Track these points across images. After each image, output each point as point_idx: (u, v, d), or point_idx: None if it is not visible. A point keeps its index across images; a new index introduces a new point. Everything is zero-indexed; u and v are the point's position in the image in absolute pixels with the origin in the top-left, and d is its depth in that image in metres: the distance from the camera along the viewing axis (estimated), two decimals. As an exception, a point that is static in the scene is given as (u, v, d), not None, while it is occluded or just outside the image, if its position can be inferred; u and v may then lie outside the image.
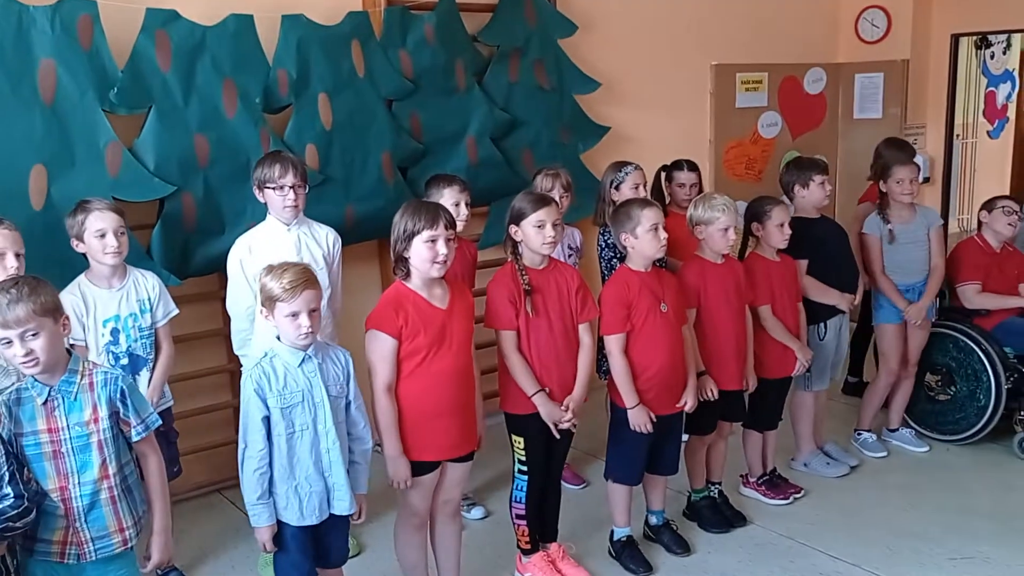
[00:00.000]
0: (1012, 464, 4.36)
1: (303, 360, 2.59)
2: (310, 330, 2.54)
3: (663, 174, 4.41)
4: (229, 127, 3.84)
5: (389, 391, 2.80)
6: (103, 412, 2.30)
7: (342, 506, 2.67)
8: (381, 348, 2.79)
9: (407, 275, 2.84)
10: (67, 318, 2.32)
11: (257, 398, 2.54)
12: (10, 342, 2.19)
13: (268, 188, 3.39)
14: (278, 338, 2.62)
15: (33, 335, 2.19)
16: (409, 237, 2.77)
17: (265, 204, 3.44)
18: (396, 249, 2.82)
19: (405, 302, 2.81)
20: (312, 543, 2.70)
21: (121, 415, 2.34)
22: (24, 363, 2.21)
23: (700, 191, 4.28)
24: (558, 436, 3.22)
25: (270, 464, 2.57)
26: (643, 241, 3.24)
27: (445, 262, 2.79)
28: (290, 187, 3.37)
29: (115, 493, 2.33)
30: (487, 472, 4.13)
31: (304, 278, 2.55)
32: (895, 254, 4.32)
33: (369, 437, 2.76)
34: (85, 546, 2.31)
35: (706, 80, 5.81)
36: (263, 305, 2.58)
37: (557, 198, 3.72)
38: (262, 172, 3.40)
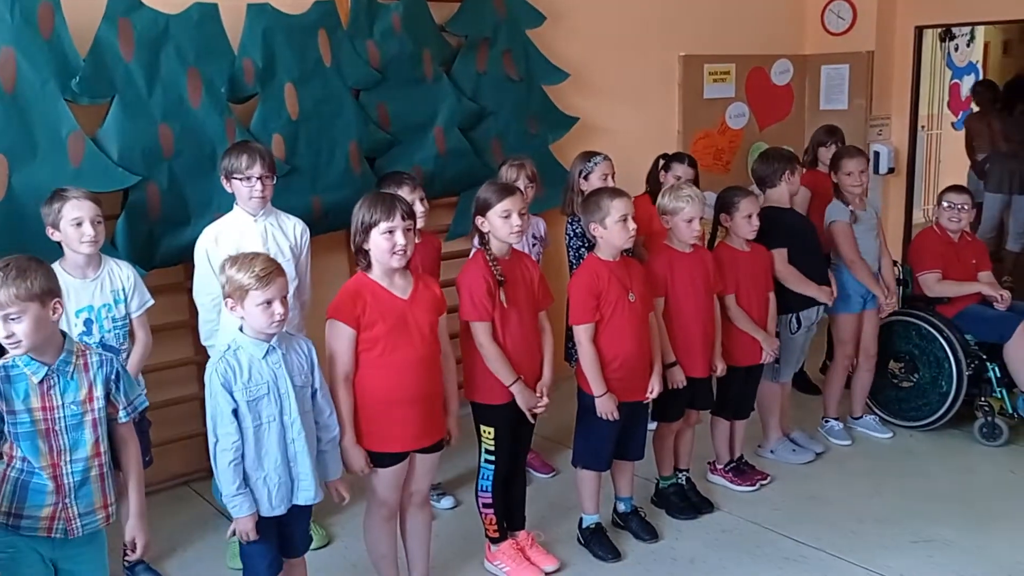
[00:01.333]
0: (973, 449, 4.44)
1: (267, 352, 2.58)
2: (282, 317, 2.54)
3: (661, 162, 4.44)
4: (194, 117, 3.81)
5: (347, 381, 2.81)
6: (99, 392, 2.35)
7: (307, 496, 2.67)
8: (339, 337, 2.80)
9: (368, 266, 2.85)
10: (59, 302, 2.31)
11: (224, 391, 2.53)
12: None
13: (235, 179, 3.37)
14: (240, 329, 2.60)
15: (15, 319, 2.21)
16: (367, 229, 2.78)
17: (232, 194, 3.42)
18: (355, 241, 2.83)
19: (364, 292, 2.81)
20: (275, 533, 2.69)
21: (111, 396, 2.39)
22: (7, 344, 2.23)
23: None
24: (533, 421, 3.29)
25: (242, 456, 2.56)
26: (612, 231, 3.26)
27: (404, 252, 2.79)
28: (257, 178, 3.35)
29: (104, 470, 2.38)
30: (456, 462, 4.13)
31: (274, 266, 2.58)
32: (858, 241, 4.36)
33: (336, 424, 2.76)
34: (73, 522, 2.34)
35: (674, 71, 5.83)
36: (229, 296, 2.56)
37: (523, 188, 3.74)
38: (229, 162, 3.38)
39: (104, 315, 3.19)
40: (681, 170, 4.36)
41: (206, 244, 3.41)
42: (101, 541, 2.47)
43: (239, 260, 2.57)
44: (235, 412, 2.54)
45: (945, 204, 4.57)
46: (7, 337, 2.21)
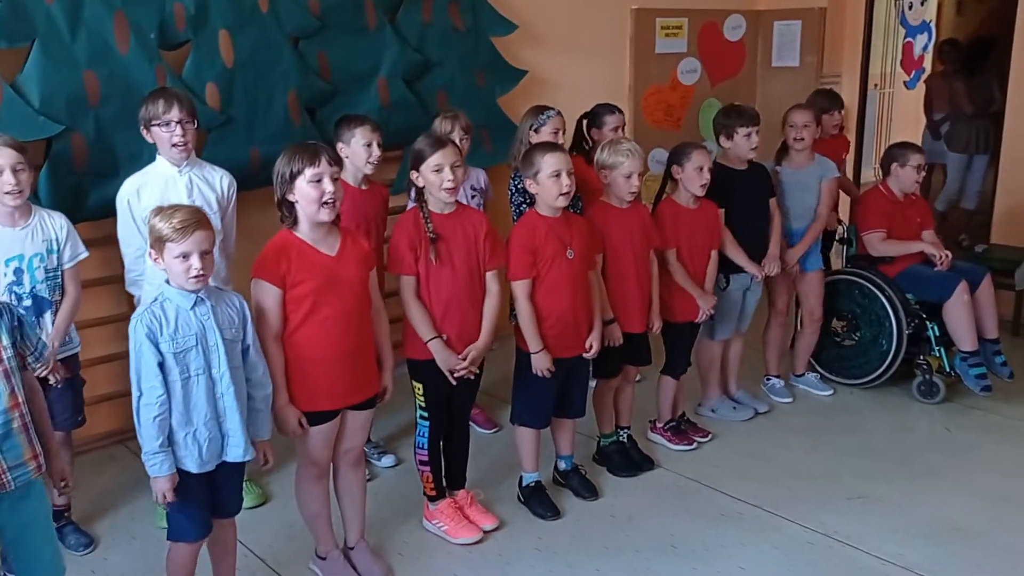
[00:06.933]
0: (910, 407, 4.51)
1: (195, 303, 2.50)
2: (201, 272, 2.45)
3: (585, 121, 4.35)
4: (121, 63, 3.65)
5: (276, 340, 2.73)
6: (6, 342, 2.28)
7: (236, 452, 2.60)
8: (265, 297, 2.72)
9: (294, 223, 2.76)
10: None
11: (149, 343, 2.44)
12: None
13: (155, 126, 3.24)
14: (167, 282, 2.52)
15: None
16: (292, 178, 2.68)
17: (154, 145, 3.30)
18: (278, 194, 2.73)
19: (290, 249, 2.73)
20: (207, 493, 2.63)
21: (18, 344, 2.34)
22: None
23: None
24: (454, 383, 3.19)
25: (168, 412, 2.48)
26: (544, 187, 3.21)
27: (333, 203, 2.70)
28: (176, 122, 3.22)
29: (26, 420, 2.31)
30: (398, 420, 4.10)
31: (196, 219, 2.48)
32: (783, 198, 4.32)
33: (269, 382, 2.69)
34: (4, 476, 2.28)
35: (626, 24, 5.75)
36: (152, 247, 2.49)
37: (457, 140, 3.66)
38: (146, 110, 3.25)
39: (36, 264, 3.08)
40: (613, 120, 4.26)
41: (127, 195, 3.29)
42: (39, 490, 2.41)
43: (163, 210, 2.50)
44: (161, 366, 2.45)
45: (912, 165, 4.43)
46: None
